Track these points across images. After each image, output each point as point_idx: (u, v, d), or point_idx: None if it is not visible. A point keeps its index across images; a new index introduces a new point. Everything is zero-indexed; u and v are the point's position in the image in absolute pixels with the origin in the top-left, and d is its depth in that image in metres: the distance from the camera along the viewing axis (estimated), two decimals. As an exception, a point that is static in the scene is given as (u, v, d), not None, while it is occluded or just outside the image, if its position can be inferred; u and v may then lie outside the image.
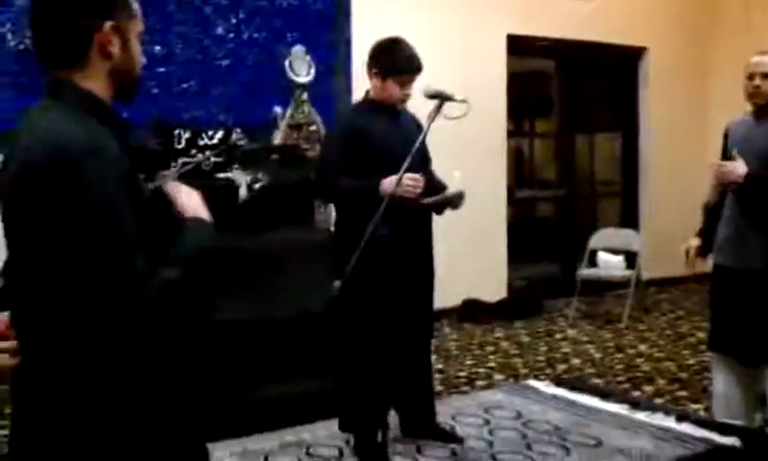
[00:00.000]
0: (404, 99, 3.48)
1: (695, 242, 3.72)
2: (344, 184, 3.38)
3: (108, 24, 1.45)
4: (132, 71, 1.52)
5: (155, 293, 1.34)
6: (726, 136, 3.65)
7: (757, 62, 3.47)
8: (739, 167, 3.37)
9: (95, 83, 1.46)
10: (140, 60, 1.54)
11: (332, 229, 3.69)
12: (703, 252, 3.72)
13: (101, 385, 1.38)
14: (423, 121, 3.29)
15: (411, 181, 3.20)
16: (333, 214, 3.69)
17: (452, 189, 3.40)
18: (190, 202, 1.56)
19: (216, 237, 1.53)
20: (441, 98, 3.17)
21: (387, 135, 3.40)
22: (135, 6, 1.54)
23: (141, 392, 1.41)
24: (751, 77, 3.47)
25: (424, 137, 3.15)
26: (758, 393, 3.66)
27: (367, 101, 3.58)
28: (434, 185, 3.47)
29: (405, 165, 3.03)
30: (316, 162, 3.61)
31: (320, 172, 3.57)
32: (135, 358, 1.39)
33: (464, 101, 3.11)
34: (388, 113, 3.48)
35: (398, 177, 3.06)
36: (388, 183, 3.15)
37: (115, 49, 1.47)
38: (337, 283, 2.86)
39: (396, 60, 3.43)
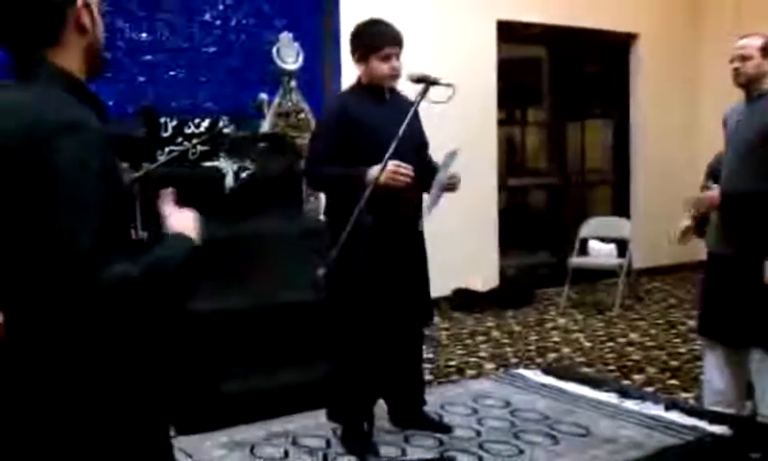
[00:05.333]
0: (394, 75, 3.40)
1: (685, 222, 3.74)
2: (328, 172, 3.35)
3: (81, 2, 1.44)
4: (100, 46, 1.52)
5: (107, 282, 1.29)
6: (725, 124, 3.64)
7: (737, 46, 3.50)
8: (714, 194, 3.49)
9: (70, 60, 1.44)
10: (103, 33, 1.54)
11: (322, 216, 3.64)
12: (700, 232, 3.74)
13: (56, 372, 1.35)
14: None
15: (393, 169, 3.12)
16: (323, 202, 3.64)
17: (440, 173, 3.35)
18: (180, 222, 1.53)
19: (193, 258, 1.48)
20: (426, 82, 3.12)
21: (376, 120, 3.32)
22: None
23: (97, 380, 1.38)
24: (732, 60, 3.49)
25: (410, 122, 3.09)
26: (747, 380, 3.65)
27: (356, 86, 3.53)
28: (432, 170, 3.42)
29: (389, 153, 2.98)
30: (306, 151, 3.59)
31: (308, 161, 3.54)
32: (87, 347, 1.36)
33: (449, 84, 3.06)
34: (377, 97, 3.42)
35: (382, 164, 3.01)
36: (373, 172, 3.08)
37: (89, 24, 1.46)
38: (321, 271, 2.82)
39: (372, 36, 3.40)
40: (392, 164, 3.09)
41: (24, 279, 1.33)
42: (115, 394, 1.40)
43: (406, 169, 3.19)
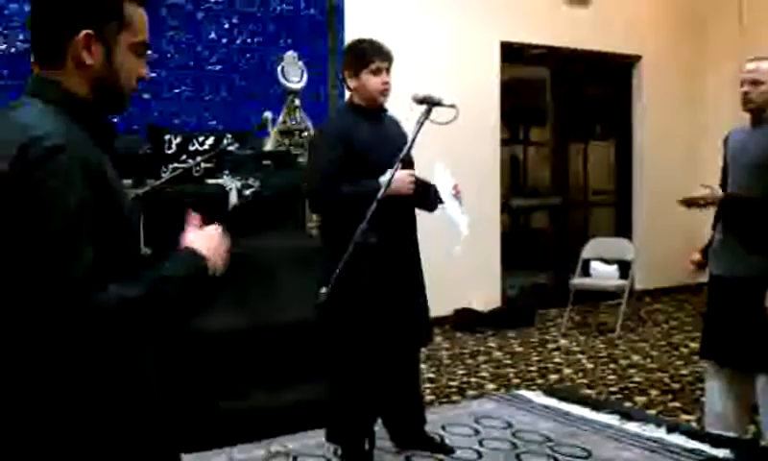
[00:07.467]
0: (384, 90, 3.44)
1: (696, 256, 3.78)
2: (348, 191, 3.28)
3: (83, 32, 1.40)
4: (116, 82, 1.46)
5: (99, 306, 1.28)
6: (725, 143, 3.65)
7: (747, 70, 3.49)
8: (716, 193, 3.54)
9: (74, 84, 1.43)
10: (133, 71, 1.47)
11: (318, 237, 3.63)
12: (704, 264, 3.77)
13: (45, 396, 1.34)
14: (411, 127, 3.26)
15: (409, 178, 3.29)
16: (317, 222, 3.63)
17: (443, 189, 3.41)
18: (198, 240, 1.50)
19: (202, 276, 1.46)
20: (429, 103, 3.14)
21: (371, 140, 3.38)
22: (132, 15, 1.45)
23: (91, 404, 1.37)
24: (741, 84, 3.47)
25: (412, 143, 3.11)
26: (750, 404, 3.63)
27: (349, 106, 3.55)
28: (424, 187, 3.46)
29: (395, 168, 3.02)
30: (308, 174, 3.56)
31: (318, 183, 3.42)
32: (81, 370, 1.34)
33: (452, 106, 3.08)
34: (371, 117, 3.47)
35: (391, 175, 3.06)
36: (400, 180, 3.20)
37: (91, 59, 1.42)
38: (323, 290, 2.82)
39: (360, 51, 3.47)
40: (407, 173, 3.25)
41: (13, 304, 1.32)
42: (114, 414, 1.39)
43: (411, 176, 3.33)
